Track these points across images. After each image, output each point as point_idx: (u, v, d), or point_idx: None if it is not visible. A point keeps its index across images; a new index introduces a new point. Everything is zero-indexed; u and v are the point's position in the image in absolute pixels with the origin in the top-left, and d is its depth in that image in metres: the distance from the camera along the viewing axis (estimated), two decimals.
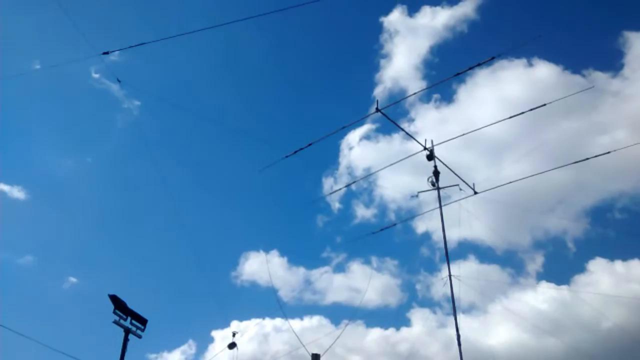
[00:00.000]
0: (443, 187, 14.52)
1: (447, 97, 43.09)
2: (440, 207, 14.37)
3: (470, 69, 12.13)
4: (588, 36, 45.02)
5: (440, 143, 14.90)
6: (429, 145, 14.73)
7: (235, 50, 49.40)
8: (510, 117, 13.40)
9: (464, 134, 14.54)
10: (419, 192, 14.82)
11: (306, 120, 47.15)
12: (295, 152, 14.26)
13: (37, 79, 43.30)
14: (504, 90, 39.09)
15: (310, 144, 14.07)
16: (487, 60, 11.57)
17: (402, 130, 14.39)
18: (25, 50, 38.49)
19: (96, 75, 41.72)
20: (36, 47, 40.69)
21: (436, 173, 14.71)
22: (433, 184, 14.62)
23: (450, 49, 44.85)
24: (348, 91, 49.32)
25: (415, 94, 13.51)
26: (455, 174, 14.96)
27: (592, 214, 36.52)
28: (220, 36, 49.04)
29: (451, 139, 14.96)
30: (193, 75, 47.42)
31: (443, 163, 14.85)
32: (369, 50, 46.51)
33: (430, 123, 38.85)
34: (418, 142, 14.54)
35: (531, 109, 12.72)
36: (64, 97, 44.93)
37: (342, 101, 47.95)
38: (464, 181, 14.83)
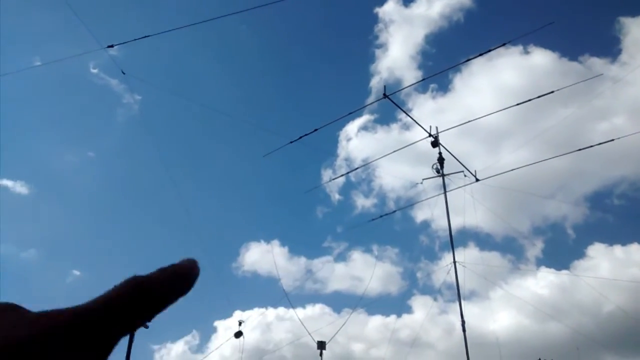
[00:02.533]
0: (448, 174, 14.52)
1: (444, 87, 42.90)
2: (445, 193, 14.38)
3: (481, 55, 12.00)
4: (583, 23, 44.82)
5: (445, 130, 14.87)
6: (433, 132, 14.70)
7: (233, 43, 48.88)
8: (518, 104, 13.32)
9: (469, 121, 14.50)
10: (423, 179, 14.83)
11: (304, 111, 46.91)
12: (301, 137, 14.14)
13: (37, 76, 42.83)
14: (501, 78, 38.91)
15: (315, 130, 13.95)
16: (498, 45, 11.45)
17: (409, 116, 14.30)
18: (25, 47, 37.96)
19: (95, 71, 41.22)
20: (36, 44, 40.15)
21: (441, 160, 14.67)
22: (438, 171, 14.60)
23: (446, 38, 44.52)
24: (344, 82, 49.02)
25: (423, 79, 13.39)
26: (459, 161, 14.97)
27: (591, 200, 36.86)
28: (218, 28, 48.53)
29: (456, 126, 14.93)
30: (192, 68, 46.99)
31: (447, 150, 14.83)
32: (365, 41, 46.11)
33: (427, 113, 38.70)
34: (423, 128, 14.47)
35: (539, 96, 12.64)
36: (64, 93, 44.53)
37: (339, 92, 47.69)
38: (466, 168, 14.84)
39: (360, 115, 44.75)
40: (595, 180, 36.74)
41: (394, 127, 43.13)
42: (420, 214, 35.69)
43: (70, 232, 42.19)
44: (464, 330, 12.69)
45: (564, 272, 25.35)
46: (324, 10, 47.94)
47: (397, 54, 43.50)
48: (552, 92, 12.65)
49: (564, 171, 30.89)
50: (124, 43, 12.17)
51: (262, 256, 39.74)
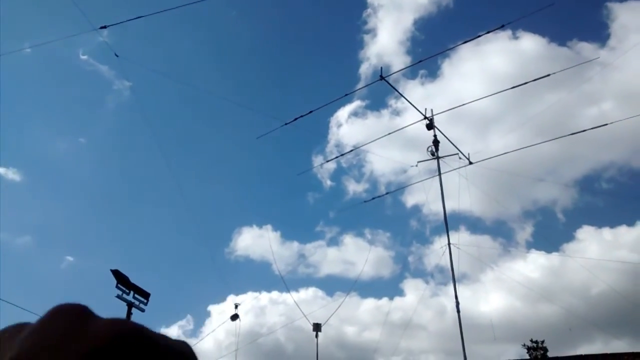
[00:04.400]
0: (443, 156, 14.51)
1: (433, 73, 42.76)
2: (440, 175, 14.39)
3: (479, 36, 11.91)
4: (571, 8, 44.70)
5: (440, 112, 14.84)
6: (428, 114, 14.64)
7: (222, 29, 48.27)
8: (513, 88, 13.35)
9: (463, 104, 14.51)
10: (418, 162, 14.82)
11: (294, 96, 46.63)
12: (296, 119, 14.10)
13: (26, 62, 42.07)
14: (490, 63, 38.79)
15: (311, 112, 13.93)
16: (496, 27, 11.37)
17: (404, 98, 14.24)
18: (12, 31, 37.17)
19: (84, 57, 40.60)
20: (25, 30, 39.34)
21: (436, 142, 14.64)
22: (433, 154, 14.58)
23: (435, 22, 44.23)
24: (333, 67, 48.66)
25: (420, 61, 13.34)
26: (453, 144, 14.96)
27: (580, 184, 37.19)
28: (208, 15, 47.87)
29: (451, 109, 14.92)
30: (183, 53, 46.42)
31: (442, 133, 14.80)
32: (353, 27, 45.68)
33: (417, 99, 38.68)
34: (419, 110, 14.42)
35: (535, 79, 12.63)
36: (54, 79, 43.93)
37: (328, 77, 47.36)
38: (460, 151, 14.85)
39: (350, 101, 44.63)
40: (585, 165, 37.08)
41: (385, 113, 43.04)
42: (410, 199, 35.83)
43: (64, 218, 41.94)
44: (458, 311, 12.79)
45: (554, 254, 25.69)
46: None
47: (386, 39, 43.20)
48: (549, 75, 12.64)
49: (553, 156, 31.09)
50: (117, 24, 11.96)
51: (255, 241, 39.78)
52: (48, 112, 44.59)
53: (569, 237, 34.84)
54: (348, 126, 42.45)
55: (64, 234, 41.08)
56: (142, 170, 44.55)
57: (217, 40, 49.25)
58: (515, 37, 38.97)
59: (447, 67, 40.89)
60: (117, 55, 12.16)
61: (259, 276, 38.54)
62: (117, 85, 41.06)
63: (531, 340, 20.80)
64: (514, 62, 38.37)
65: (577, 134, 13.89)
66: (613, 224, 38.62)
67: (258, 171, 47.47)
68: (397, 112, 40.00)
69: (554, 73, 12.29)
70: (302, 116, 13.90)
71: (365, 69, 41.66)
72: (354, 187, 41.15)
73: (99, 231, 40.36)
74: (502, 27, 11.14)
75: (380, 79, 12.57)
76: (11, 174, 39.06)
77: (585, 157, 35.25)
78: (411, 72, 44.29)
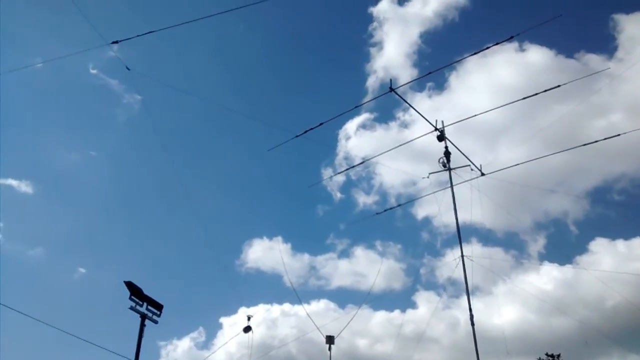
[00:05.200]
0: (455, 168, 14.48)
1: (440, 85, 42.89)
2: (452, 187, 14.35)
3: (488, 48, 11.95)
4: (578, 21, 44.71)
5: (451, 124, 14.82)
6: (439, 126, 14.64)
7: (229, 43, 48.99)
8: (524, 99, 13.21)
9: (474, 115, 14.44)
10: (430, 173, 14.79)
11: (302, 110, 47.01)
12: (306, 131, 14.09)
13: (37, 76, 43.03)
14: (497, 76, 38.81)
15: (321, 124, 13.90)
16: (506, 39, 11.41)
17: (414, 109, 14.25)
18: (25, 47, 38.11)
19: (94, 71, 41.42)
20: (36, 44, 40.37)
21: (447, 154, 14.62)
22: (444, 165, 14.55)
23: (441, 36, 44.47)
24: (340, 80, 49.04)
25: (429, 73, 13.25)
26: (465, 155, 14.92)
27: (591, 195, 36.82)
28: (214, 29, 48.66)
29: (461, 120, 14.85)
30: (192, 67, 47.16)
31: (453, 144, 14.78)
32: (359, 40, 46.05)
33: (424, 111, 38.59)
34: (429, 122, 14.41)
35: (546, 90, 12.57)
36: (64, 93, 44.87)
37: (335, 90, 47.73)
38: (472, 162, 14.80)
39: (359, 113, 44.77)
40: (595, 177, 36.71)
41: (393, 125, 43.14)
42: (420, 211, 35.69)
43: (76, 230, 42.36)
44: (472, 324, 12.65)
45: (568, 266, 25.35)
46: (319, 9, 47.88)
47: (393, 52, 43.47)
48: (559, 85, 12.60)
49: (563, 168, 30.87)
50: (128, 39, 12.13)
51: (265, 253, 39.80)
52: (59, 126, 45.33)
53: (582, 250, 34.42)
54: (357, 138, 42.59)
55: (76, 245, 41.46)
56: (153, 182, 44.94)
57: (224, 53, 49.87)
58: (522, 50, 38.97)
59: (454, 79, 40.96)
60: (128, 69, 12.35)
61: (269, 288, 38.53)
62: (127, 99, 41.67)
63: (547, 354, 20.49)
64: (521, 74, 38.34)
65: (588, 146, 13.78)
66: (627, 236, 38.03)
67: (267, 183, 47.67)
68: (405, 125, 40.05)
69: (565, 84, 12.29)
70: (312, 128, 13.94)
71: (372, 82, 41.90)
72: (363, 199, 41.16)
73: (110, 243, 40.72)
74: (511, 38, 11.19)
75: (390, 91, 12.62)
76: (24, 187, 39.63)
77: (596, 169, 34.98)
78: (418, 84, 44.44)
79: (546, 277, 30.24)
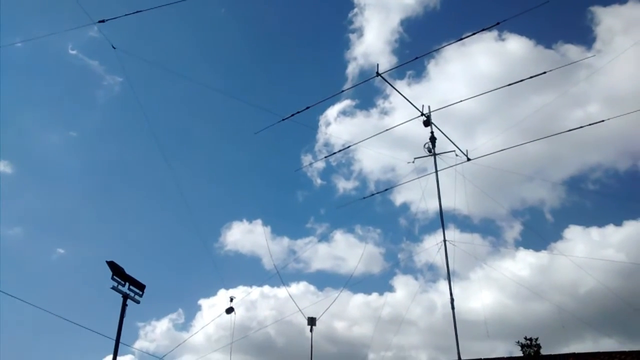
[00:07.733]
0: (440, 153, 14.57)
1: (419, 74, 42.87)
2: (437, 172, 14.45)
3: (474, 34, 11.94)
4: (556, 12, 44.95)
5: (438, 109, 14.87)
6: (425, 111, 14.68)
7: (212, 25, 48.28)
8: (509, 85, 13.24)
9: (461, 100, 14.43)
10: (415, 158, 14.86)
11: (282, 93, 46.81)
12: (292, 115, 14.04)
13: (16, 57, 42.02)
14: (476, 64, 38.86)
15: (307, 107, 13.85)
16: (492, 25, 11.40)
17: (401, 94, 14.22)
18: (5, 26, 37.17)
19: (73, 52, 40.51)
20: (16, 23, 39.38)
21: (433, 139, 14.69)
22: (429, 150, 14.63)
23: (421, 23, 44.37)
24: (320, 66, 48.79)
25: (416, 58, 13.14)
26: (451, 140, 15.00)
27: (567, 184, 37.45)
28: (196, 10, 47.88)
29: (449, 105, 14.90)
30: (174, 48, 46.51)
31: (440, 129, 14.84)
32: (339, 26, 45.73)
33: (403, 100, 38.63)
34: (416, 107, 14.44)
35: (531, 77, 12.62)
36: (44, 74, 43.94)
37: (314, 76, 47.52)
38: (458, 147, 14.88)
39: (340, 99, 44.68)
40: (571, 166, 37.31)
41: (374, 112, 43.17)
42: (399, 197, 35.91)
43: (55, 210, 41.88)
44: (452, 307, 12.85)
45: (543, 252, 25.84)
46: None
47: (373, 39, 43.27)
48: (544, 72, 12.62)
49: (539, 157, 31.23)
50: (115, 18, 11.91)
51: (244, 235, 39.83)
52: (38, 106, 44.51)
53: (557, 236, 35.16)
54: (337, 125, 42.53)
55: (55, 226, 41.01)
56: (133, 163, 44.48)
57: (205, 36, 49.20)
58: (502, 39, 39.07)
59: (433, 67, 40.92)
60: (114, 47, 12.11)
61: (249, 271, 38.76)
62: (107, 80, 40.94)
63: (525, 338, 20.91)
64: (501, 63, 38.52)
65: (565, 135, 13.91)
66: (600, 223, 38.94)
67: (247, 166, 47.51)
68: (385, 112, 40.08)
69: (550, 70, 12.33)
70: (298, 112, 13.87)
71: (352, 69, 41.72)
72: (343, 185, 41.31)
73: (89, 223, 40.31)
74: (497, 24, 11.15)
75: (377, 75, 12.58)
76: (3, 167, 38.94)
77: (572, 159, 35.52)
78: (398, 72, 44.45)
79: (522, 263, 30.82)
